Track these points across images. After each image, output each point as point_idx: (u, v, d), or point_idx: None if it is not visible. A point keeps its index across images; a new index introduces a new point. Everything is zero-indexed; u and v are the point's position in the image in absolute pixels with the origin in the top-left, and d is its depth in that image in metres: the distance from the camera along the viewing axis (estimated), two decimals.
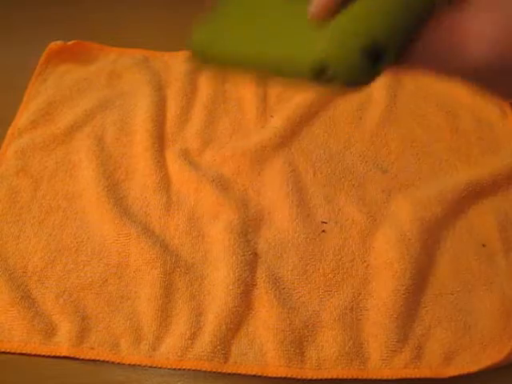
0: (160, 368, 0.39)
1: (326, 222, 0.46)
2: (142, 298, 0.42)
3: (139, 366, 0.39)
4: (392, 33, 0.23)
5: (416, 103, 0.55)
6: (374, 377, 0.39)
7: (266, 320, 0.41)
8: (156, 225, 0.46)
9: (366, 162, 0.51)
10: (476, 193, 0.48)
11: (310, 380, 0.39)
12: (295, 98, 0.54)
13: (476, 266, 0.44)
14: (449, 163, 0.51)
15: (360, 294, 0.42)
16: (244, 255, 0.43)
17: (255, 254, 0.44)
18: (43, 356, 0.39)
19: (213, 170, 0.49)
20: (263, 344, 0.40)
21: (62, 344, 0.40)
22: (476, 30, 0.23)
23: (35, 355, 0.39)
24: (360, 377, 0.39)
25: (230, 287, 0.42)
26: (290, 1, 0.26)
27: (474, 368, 0.39)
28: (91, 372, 0.39)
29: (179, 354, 0.39)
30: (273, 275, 0.43)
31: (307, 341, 0.40)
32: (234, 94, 0.56)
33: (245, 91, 0.56)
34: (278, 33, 0.26)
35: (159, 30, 0.64)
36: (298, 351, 0.39)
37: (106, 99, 0.55)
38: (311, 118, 0.53)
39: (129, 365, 0.39)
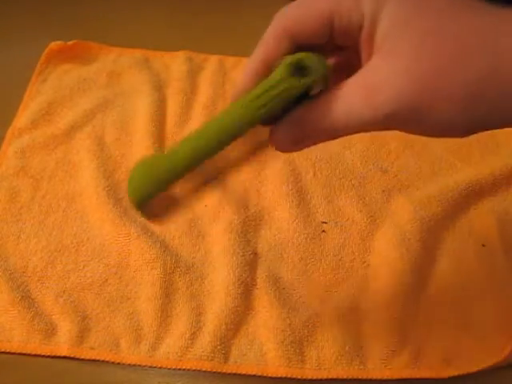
0: (160, 368, 0.39)
1: (326, 222, 0.46)
2: (142, 298, 0.42)
3: (139, 366, 0.39)
4: None
5: None
6: (374, 377, 0.39)
7: (266, 320, 0.41)
8: (156, 225, 0.46)
9: (366, 161, 0.51)
10: (476, 193, 0.48)
11: (310, 380, 0.39)
12: None
13: (476, 265, 0.44)
14: (449, 163, 0.51)
15: (360, 294, 0.42)
16: (244, 255, 0.43)
17: (255, 254, 0.44)
18: (43, 356, 0.39)
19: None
20: (263, 344, 0.40)
21: (62, 344, 0.40)
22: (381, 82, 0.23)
23: (35, 355, 0.39)
24: (360, 377, 0.39)
25: (230, 287, 0.42)
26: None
27: (473, 368, 0.38)
28: (91, 372, 0.39)
29: (179, 353, 0.39)
30: (273, 275, 0.43)
31: (307, 341, 0.40)
32: None
33: None
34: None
35: (159, 29, 0.64)
36: (298, 351, 0.40)
37: (106, 99, 0.54)
38: None
39: (129, 365, 0.39)
